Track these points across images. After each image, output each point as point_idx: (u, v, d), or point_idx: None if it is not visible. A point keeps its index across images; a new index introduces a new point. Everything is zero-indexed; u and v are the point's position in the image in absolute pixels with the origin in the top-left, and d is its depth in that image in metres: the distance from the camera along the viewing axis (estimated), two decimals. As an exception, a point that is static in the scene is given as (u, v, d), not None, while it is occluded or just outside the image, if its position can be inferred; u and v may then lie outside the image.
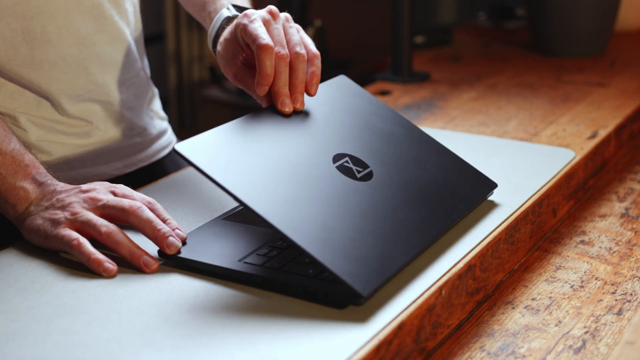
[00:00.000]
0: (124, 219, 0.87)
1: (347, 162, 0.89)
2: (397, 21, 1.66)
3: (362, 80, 1.94)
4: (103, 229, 0.85)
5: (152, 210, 0.89)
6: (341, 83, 1.04)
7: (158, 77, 1.29)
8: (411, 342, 0.77)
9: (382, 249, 0.81)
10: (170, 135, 1.27)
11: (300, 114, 0.93)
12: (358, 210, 0.84)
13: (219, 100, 2.96)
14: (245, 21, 0.91)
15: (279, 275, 0.81)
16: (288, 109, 0.90)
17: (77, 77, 1.07)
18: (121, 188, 0.92)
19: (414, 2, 1.66)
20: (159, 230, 0.85)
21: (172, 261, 0.86)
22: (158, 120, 1.23)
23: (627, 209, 1.15)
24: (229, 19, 0.99)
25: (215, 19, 1.01)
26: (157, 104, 1.24)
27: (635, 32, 2.06)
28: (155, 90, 1.24)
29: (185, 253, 0.85)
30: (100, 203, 0.88)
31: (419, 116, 1.42)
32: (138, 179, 1.15)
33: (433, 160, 0.98)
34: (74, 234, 0.85)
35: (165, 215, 0.90)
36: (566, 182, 1.12)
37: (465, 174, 1.00)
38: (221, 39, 0.99)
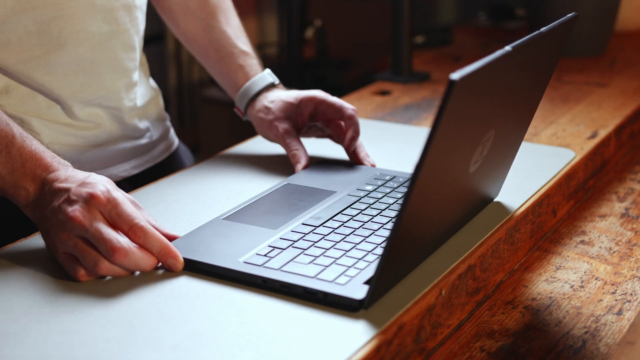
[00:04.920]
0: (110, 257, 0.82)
1: None
2: (397, 21, 1.66)
3: (362, 80, 1.95)
4: (89, 265, 0.82)
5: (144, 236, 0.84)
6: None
7: (158, 77, 1.30)
8: (411, 342, 0.77)
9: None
10: (172, 136, 1.29)
11: None
12: None
13: (219, 100, 2.96)
14: (323, 95, 1.14)
15: (279, 275, 0.81)
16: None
17: (89, 82, 1.08)
18: (113, 207, 0.84)
19: (414, 2, 1.66)
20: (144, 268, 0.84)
21: (172, 261, 0.86)
22: (161, 121, 1.25)
23: (627, 209, 1.15)
24: (273, 85, 1.18)
25: (254, 79, 1.18)
26: (160, 104, 1.25)
27: (635, 32, 2.06)
28: (158, 92, 1.25)
29: (185, 253, 0.85)
30: (80, 234, 0.82)
31: (419, 116, 1.42)
32: (145, 179, 1.16)
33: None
34: (74, 271, 0.83)
35: (157, 236, 0.85)
36: (566, 182, 1.13)
37: (499, 179, 1.00)
38: (273, 98, 1.16)
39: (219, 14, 1.22)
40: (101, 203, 0.83)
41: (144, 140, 1.19)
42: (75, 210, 0.82)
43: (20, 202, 0.89)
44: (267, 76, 1.19)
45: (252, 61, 1.21)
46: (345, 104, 1.13)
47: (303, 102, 1.13)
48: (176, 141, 1.30)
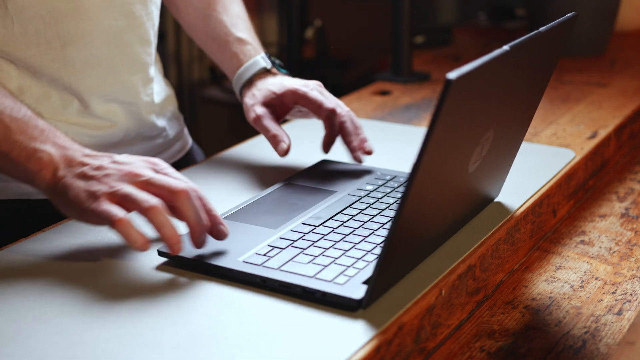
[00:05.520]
0: (169, 199, 0.82)
1: None
2: (397, 21, 1.66)
3: (362, 80, 1.95)
4: (145, 205, 0.80)
5: (199, 198, 0.85)
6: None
7: (158, 77, 1.30)
8: (411, 342, 0.77)
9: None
10: (187, 135, 1.29)
11: None
12: None
13: (219, 100, 2.96)
14: (304, 90, 1.10)
15: (278, 275, 0.81)
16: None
17: (106, 76, 1.08)
18: (161, 165, 0.86)
19: (414, 2, 1.66)
20: (201, 225, 0.83)
21: (172, 260, 0.86)
22: (175, 121, 1.25)
23: (627, 209, 1.15)
24: (266, 69, 1.15)
25: (245, 66, 1.16)
26: (175, 103, 1.25)
27: (635, 32, 2.06)
28: (172, 91, 1.25)
29: (185, 252, 0.85)
30: (143, 179, 0.82)
31: (419, 116, 1.42)
32: None
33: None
34: (116, 211, 0.80)
35: (210, 205, 0.86)
36: (566, 182, 1.13)
37: (498, 179, 1.00)
38: (262, 86, 1.13)
39: (217, 3, 1.22)
40: (157, 163, 0.85)
41: (159, 140, 1.19)
42: (137, 161, 0.85)
43: (42, 167, 0.85)
44: (260, 61, 1.16)
45: (246, 47, 1.19)
46: (326, 103, 1.08)
47: (286, 94, 1.11)
48: (190, 141, 1.30)
